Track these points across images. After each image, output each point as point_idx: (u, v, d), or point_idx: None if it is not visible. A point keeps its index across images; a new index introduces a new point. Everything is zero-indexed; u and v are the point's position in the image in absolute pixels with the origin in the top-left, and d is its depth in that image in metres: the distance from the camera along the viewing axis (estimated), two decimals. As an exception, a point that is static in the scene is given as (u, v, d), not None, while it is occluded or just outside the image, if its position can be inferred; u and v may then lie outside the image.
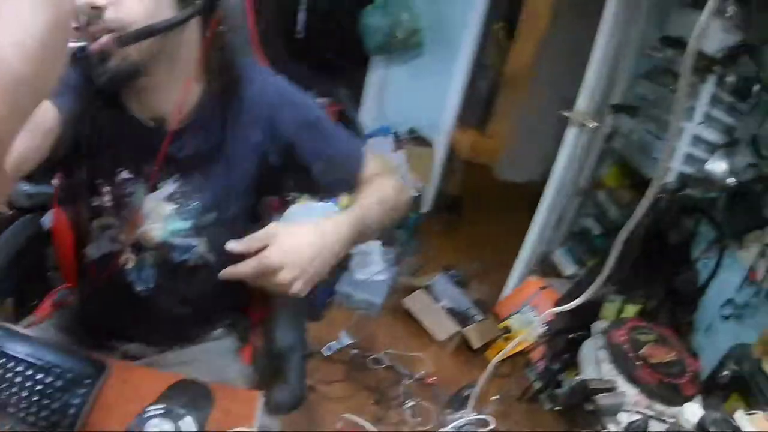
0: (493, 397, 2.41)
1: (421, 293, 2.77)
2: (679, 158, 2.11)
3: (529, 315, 2.86)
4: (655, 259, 2.36)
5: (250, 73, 0.92)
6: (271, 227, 0.79)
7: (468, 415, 2.30)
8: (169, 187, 0.89)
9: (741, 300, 2.33)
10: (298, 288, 0.78)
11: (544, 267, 3.08)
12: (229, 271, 0.78)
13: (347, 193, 0.96)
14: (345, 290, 2.64)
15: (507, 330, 2.81)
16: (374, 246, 2.72)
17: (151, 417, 0.75)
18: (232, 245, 0.77)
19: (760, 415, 1.45)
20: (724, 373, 2.04)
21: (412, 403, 2.27)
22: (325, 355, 2.32)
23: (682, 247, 2.49)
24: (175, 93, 0.84)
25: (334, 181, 0.95)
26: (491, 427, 0.95)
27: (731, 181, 1.97)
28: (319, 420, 1.94)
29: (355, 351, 2.40)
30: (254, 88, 0.91)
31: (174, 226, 0.90)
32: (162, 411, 0.76)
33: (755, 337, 2.20)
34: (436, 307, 2.74)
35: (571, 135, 2.52)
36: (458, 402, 2.34)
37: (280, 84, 0.95)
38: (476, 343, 2.65)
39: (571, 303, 0.67)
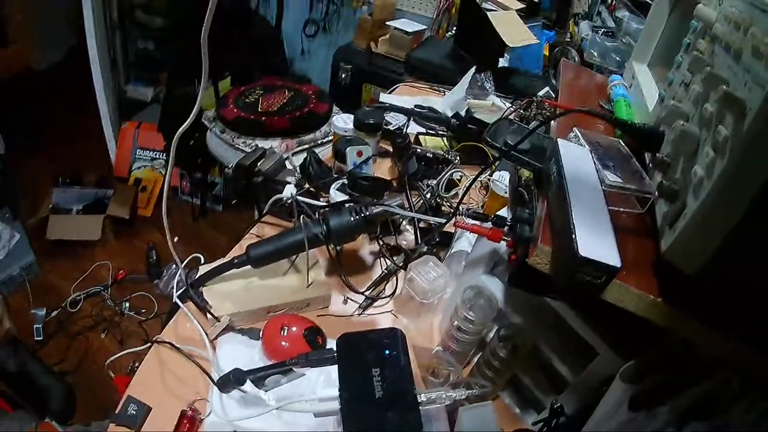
0: (176, 239, 2.51)
1: (53, 218, 2.49)
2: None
3: (145, 155, 2.84)
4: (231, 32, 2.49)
5: None
6: None
7: (174, 269, 2.39)
8: None
9: (317, 17, 2.96)
10: None
11: (127, 107, 2.95)
12: None
13: None
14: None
15: (138, 182, 2.77)
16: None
17: None
18: None
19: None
20: (342, 76, 2.58)
21: (129, 305, 2.25)
22: (40, 338, 2.07)
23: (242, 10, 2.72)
24: None
25: None
26: (201, 260, 1.05)
27: None
28: (99, 387, 1.84)
29: (53, 313, 2.17)
30: None
31: None
32: None
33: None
34: (73, 216, 2.54)
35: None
36: (155, 265, 2.39)
37: None
38: (125, 214, 2.59)
39: (185, 123, 0.70)
